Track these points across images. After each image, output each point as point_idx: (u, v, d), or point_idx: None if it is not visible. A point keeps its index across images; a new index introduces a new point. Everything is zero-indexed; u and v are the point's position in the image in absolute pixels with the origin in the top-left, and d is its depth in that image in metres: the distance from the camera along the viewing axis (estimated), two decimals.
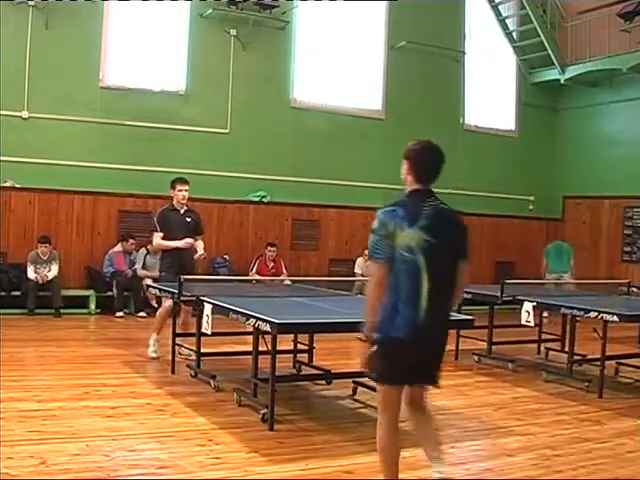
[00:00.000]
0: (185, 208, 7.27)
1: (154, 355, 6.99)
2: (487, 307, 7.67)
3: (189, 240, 7.09)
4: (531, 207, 14.41)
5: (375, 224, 3.34)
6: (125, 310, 10.12)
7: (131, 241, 10.35)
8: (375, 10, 12.94)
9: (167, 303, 6.98)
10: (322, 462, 4.19)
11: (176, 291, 6.11)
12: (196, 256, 7.24)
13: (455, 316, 5.82)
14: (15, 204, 10.13)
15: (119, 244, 10.43)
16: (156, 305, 8.53)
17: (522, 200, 14.25)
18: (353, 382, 5.86)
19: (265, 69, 11.86)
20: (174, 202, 7.27)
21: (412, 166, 3.47)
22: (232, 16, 11.50)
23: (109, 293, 10.18)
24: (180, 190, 7.22)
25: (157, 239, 7.20)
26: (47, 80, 10.35)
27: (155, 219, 7.26)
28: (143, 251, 10.33)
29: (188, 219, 7.24)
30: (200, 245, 7.31)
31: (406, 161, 3.51)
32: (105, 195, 10.67)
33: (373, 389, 5.66)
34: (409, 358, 3.31)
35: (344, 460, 4.23)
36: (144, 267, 10.26)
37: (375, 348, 3.34)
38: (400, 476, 4.03)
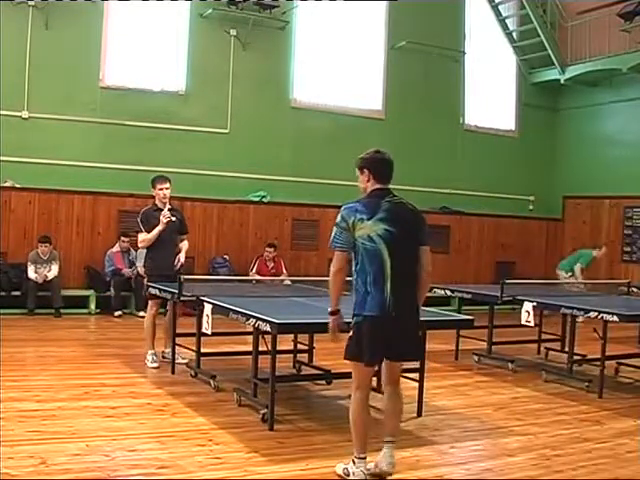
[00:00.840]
0: (168, 206, 6.99)
1: (154, 365, 6.70)
2: (487, 307, 7.67)
3: (166, 213, 6.80)
4: (531, 207, 14.41)
5: (337, 219, 3.86)
6: (124, 310, 10.14)
7: (123, 239, 10.34)
8: (375, 10, 12.94)
9: (152, 310, 6.84)
10: (322, 462, 4.19)
11: (176, 291, 6.11)
12: (176, 261, 6.99)
13: (455, 316, 5.85)
14: (15, 204, 10.13)
15: (117, 243, 10.44)
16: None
17: (522, 200, 14.25)
18: None
19: (265, 69, 11.86)
20: (156, 201, 6.98)
21: (369, 171, 4.00)
22: (232, 16, 11.50)
23: (109, 293, 10.18)
24: (161, 189, 6.90)
25: (141, 237, 7.00)
26: (47, 80, 10.36)
27: (139, 219, 7.00)
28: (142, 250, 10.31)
29: (173, 218, 6.93)
30: (185, 246, 7.10)
31: (363, 170, 4.04)
32: (105, 195, 10.68)
33: (373, 389, 5.68)
34: (383, 334, 3.77)
35: (344, 460, 4.22)
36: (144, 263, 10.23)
37: (352, 332, 3.81)
38: (400, 476, 4.05)
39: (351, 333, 3.85)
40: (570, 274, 11.61)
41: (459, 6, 13.67)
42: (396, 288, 3.77)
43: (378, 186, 3.96)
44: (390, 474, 3.99)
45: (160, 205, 6.95)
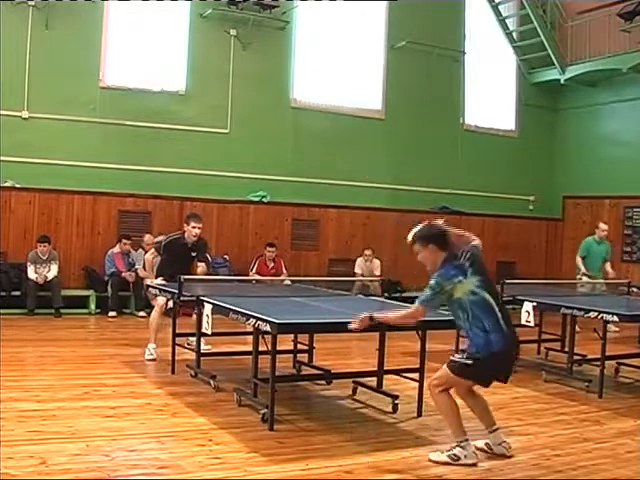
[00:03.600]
0: (194, 240, 7.27)
1: (151, 357, 6.94)
2: None
3: (160, 280, 7.05)
4: (531, 207, 14.41)
5: (433, 283, 4.24)
6: (125, 310, 10.14)
7: (124, 241, 10.34)
8: (375, 10, 12.94)
9: (159, 301, 7.00)
10: (322, 462, 4.19)
11: (176, 291, 6.11)
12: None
13: None
14: (15, 204, 10.14)
15: (117, 245, 10.43)
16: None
17: (522, 200, 14.25)
18: (353, 382, 5.86)
19: (265, 69, 11.87)
20: (185, 235, 7.26)
21: (435, 246, 4.35)
22: (232, 16, 11.51)
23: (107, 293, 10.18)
24: (194, 227, 7.20)
25: (149, 255, 7.46)
26: (47, 80, 10.36)
27: (162, 244, 7.31)
28: (142, 251, 10.32)
29: (193, 253, 7.30)
30: (201, 268, 7.40)
31: (427, 246, 4.37)
32: (105, 195, 10.68)
33: (373, 389, 5.69)
34: (507, 363, 4.39)
35: (344, 460, 4.23)
36: (144, 266, 10.25)
37: (470, 362, 4.21)
38: (400, 476, 4.05)
39: (470, 362, 4.21)
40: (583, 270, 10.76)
41: (459, 6, 13.67)
42: (506, 321, 4.28)
43: (446, 254, 4.34)
44: (509, 455, 4.41)
45: (188, 240, 7.24)
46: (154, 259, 7.54)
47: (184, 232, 7.30)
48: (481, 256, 4.45)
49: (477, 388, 4.50)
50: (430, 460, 4.27)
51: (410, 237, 4.42)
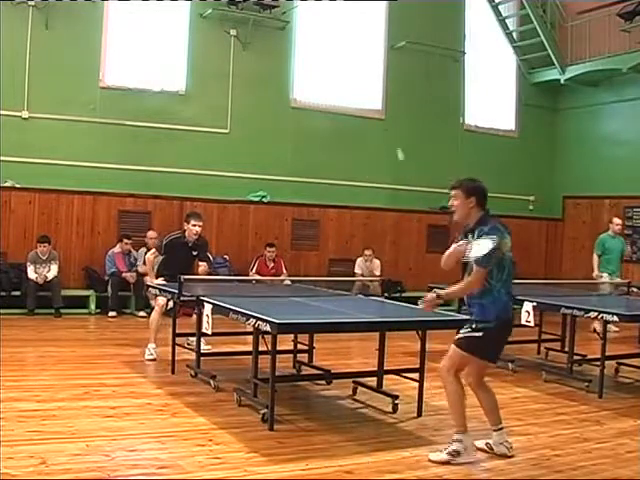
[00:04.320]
0: (195, 239, 7.28)
1: (151, 357, 6.95)
2: None
3: (161, 280, 7.09)
4: (531, 207, 14.41)
5: (489, 243, 4.22)
6: (125, 310, 10.14)
7: (125, 241, 10.34)
8: (375, 10, 12.94)
9: (159, 301, 7.00)
10: (322, 462, 4.19)
11: (176, 291, 6.12)
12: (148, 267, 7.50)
13: (454, 316, 5.84)
14: (15, 204, 10.14)
15: (118, 245, 10.43)
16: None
17: (522, 200, 14.25)
18: (353, 382, 5.86)
19: (265, 69, 11.86)
20: (186, 234, 7.27)
21: (476, 199, 4.37)
22: (232, 16, 11.50)
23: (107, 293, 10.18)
24: (194, 225, 7.21)
25: (150, 255, 7.43)
26: (47, 80, 10.36)
27: (163, 243, 7.33)
28: (143, 250, 10.33)
29: (194, 252, 7.31)
30: (202, 267, 7.39)
31: (470, 196, 4.35)
32: (105, 195, 10.68)
33: (373, 389, 5.69)
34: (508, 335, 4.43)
35: (344, 460, 4.23)
36: (144, 263, 10.26)
37: (482, 334, 4.21)
38: (400, 476, 4.05)
39: (480, 334, 4.23)
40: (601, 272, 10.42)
41: (459, 6, 13.67)
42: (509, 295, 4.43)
43: (482, 212, 4.38)
44: (510, 455, 4.39)
45: (189, 239, 7.25)
46: (155, 258, 7.55)
47: (184, 231, 7.31)
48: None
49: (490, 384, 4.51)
50: (430, 460, 4.27)
51: (455, 182, 4.41)
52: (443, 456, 4.25)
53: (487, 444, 4.47)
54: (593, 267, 10.27)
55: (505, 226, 4.40)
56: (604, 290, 9.37)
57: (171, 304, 6.87)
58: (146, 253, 10.22)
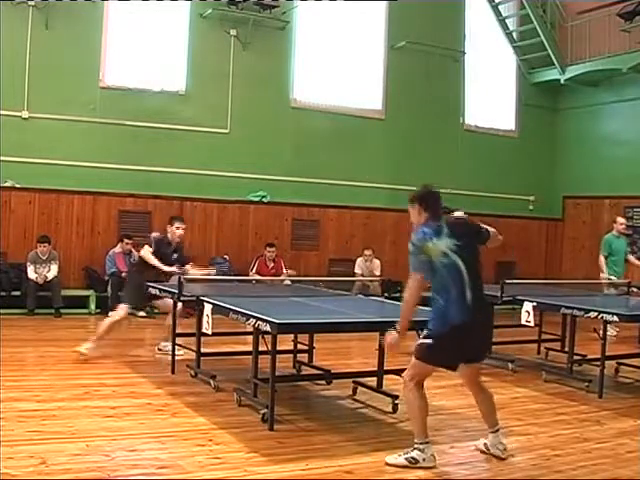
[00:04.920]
0: (177, 241, 7.36)
1: (84, 351, 6.77)
2: None
3: (174, 269, 7.16)
4: (531, 207, 14.41)
5: (410, 248, 4.17)
6: None
7: (126, 241, 10.35)
8: (375, 10, 12.94)
9: (122, 311, 6.98)
10: (322, 462, 4.19)
11: (176, 291, 6.12)
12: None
13: None
14: (15, 204, 10.14)
15: (119, 245, 10.43)
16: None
17: (522, 200, 14.25)
18: (353, 382, 5.86)
19: (265, 69, 11.86)
20: (169, 236, 7.33)
21: (419, 206, 4.33)
22: (232, 16, 11.50)
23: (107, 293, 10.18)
24: (178, 228, 7.31)
25: (148, 249, 7.23)
26: (47, 80, 10.36)
27: (152, 238, 7.34)
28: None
29: (175, 255, 7.32)
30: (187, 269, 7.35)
31: (414, 204, 4.35)
32: (105, 195, 10.68)
33: (373, 389, 5.69)
34: (468, 340, 4.11)
35: (344, 460, 4.23)
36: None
37: (431, 341, 4.09)
38: (400, 476, 4.05)
39: (430, 341, 4.11)
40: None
41: (459, 6, 13.67)
42: (475, 295, 4.12)
43: (428, 215, 4.29)
44: (503, 458, 4.35)
45: (172, 241, 7.31)
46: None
47: (167, 234, 7.37)
48: (472, 226, 4.45)
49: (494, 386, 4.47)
50: (387, 464, 4.17)
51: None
52: (401, 460, 4.15)
53: (485, 444, 4.45)
54: (601, 269, 10.04)
55: (440, 228, 4.17)
56: (610, 292, 9.33)
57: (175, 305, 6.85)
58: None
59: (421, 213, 4.29)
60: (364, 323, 5.15)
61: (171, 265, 7.22)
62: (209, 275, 7.68)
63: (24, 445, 4.20)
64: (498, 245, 4.58)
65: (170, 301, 6.90)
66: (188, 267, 7.33)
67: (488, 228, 4.50)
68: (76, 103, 10.55)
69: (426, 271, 4.13)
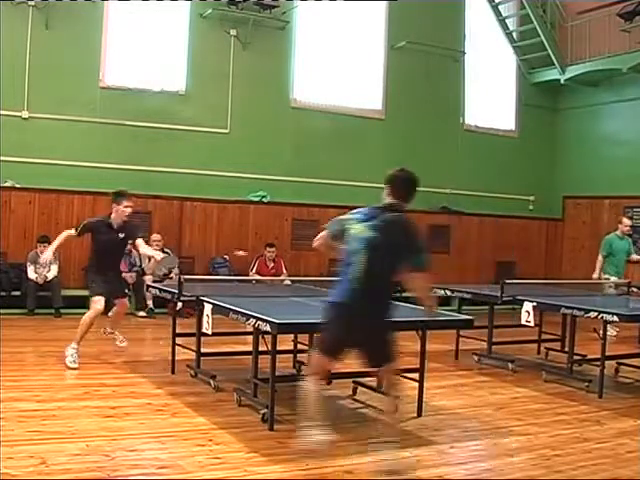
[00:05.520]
0: (122, 221, 6.77)
1: (73, 366, 6.41)
2: (487, 307, 7.66)
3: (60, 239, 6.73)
4: (531, 207, 14.40)
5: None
6: None
7: None
8: (375, 10, 12.94)
9: (97, 305, 6.66)
10: (322, 462, 4.19)
11: (176, 291, 6.12)
12: (151, 263, 6.91)
13: (455, 316, 5.85)
14: (15, 204, 10.13)
15: None
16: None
17: (522, 200, 14.24)
18: (353, 382, 5.86)
19: (265, 69, 11.86)
20: (113, 217, 6.75)
21: (387, 186, 4.21)
22: (232, 16, 11.50)
23: None
24: (127, 206, 6.76)
25: (67, 232, 6.86)
26: (47, 80, 10.35)
27: (82, 224, 6.86)
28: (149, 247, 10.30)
29: (121, 235, 6.79)
30: (142, 249, 6.91)
31: (386, 184, 4.22)
32: (105, 195, 10.60)
33: (373, 389, 5.69)
34: (345, 325, 4.04)
35: (344, 460, 4.23)
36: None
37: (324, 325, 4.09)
38: (400, 476, 4.04)
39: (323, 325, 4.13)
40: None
41: (459, 6, 13.67)
42: (365, 288, 3.97)
43: (391, 201, 4.15)
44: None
45: (114, 222, 6.76)
46: (67, 238, 6.92)
47: (110, 214, 6.81)
48: (404, 240, 4.05)
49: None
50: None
51: None
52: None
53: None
54: (595, 267, 10.00)
55: (372, 215, 4.04)
56: (610, 292, 9.32)
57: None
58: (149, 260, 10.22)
59: (388, 194, 4.17)
60: None
61: (117, 250, 6.81)
62: (159, 257, 6.95)
63: (24, 445, 4.20)
64: (420, 293, 4.37)
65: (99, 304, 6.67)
66: (139, 242, 6.78)
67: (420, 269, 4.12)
68: (76, 103, 10.54)
69: (337, 237, 4.19)
